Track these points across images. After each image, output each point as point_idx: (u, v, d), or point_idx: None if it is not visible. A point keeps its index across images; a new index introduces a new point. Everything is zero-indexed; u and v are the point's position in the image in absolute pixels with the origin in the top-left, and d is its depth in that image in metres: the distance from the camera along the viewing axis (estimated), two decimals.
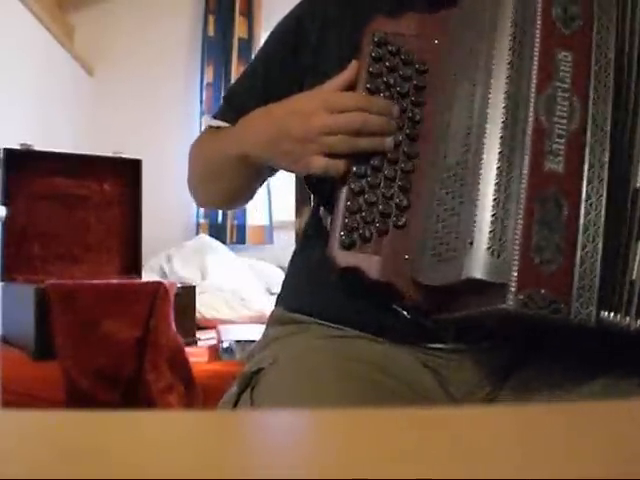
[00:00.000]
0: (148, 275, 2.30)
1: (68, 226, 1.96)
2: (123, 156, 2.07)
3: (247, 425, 0.30)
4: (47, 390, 1.55)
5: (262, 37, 3.21)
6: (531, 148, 0.52)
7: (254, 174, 0.82)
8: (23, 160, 1.89)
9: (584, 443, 0.26)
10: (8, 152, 1.84)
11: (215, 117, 0.88)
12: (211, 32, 3.19)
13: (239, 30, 3.17)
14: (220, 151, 0.81)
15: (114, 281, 1.78)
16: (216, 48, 3.18)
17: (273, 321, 0.81)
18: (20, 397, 1.49)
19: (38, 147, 1.93)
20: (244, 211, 3.07)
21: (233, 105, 0.85)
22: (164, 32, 3.18)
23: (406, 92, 0.63)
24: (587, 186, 0.52)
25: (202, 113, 3.16)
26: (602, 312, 0.52)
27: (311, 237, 0.80)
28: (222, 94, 3.14)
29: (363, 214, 0.62)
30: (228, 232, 3.09)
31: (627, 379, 0.62)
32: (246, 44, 3.17)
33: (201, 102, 3.17)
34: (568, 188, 0.52)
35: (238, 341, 1.73)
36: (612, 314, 0.53)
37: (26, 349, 1.64)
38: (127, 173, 2.05)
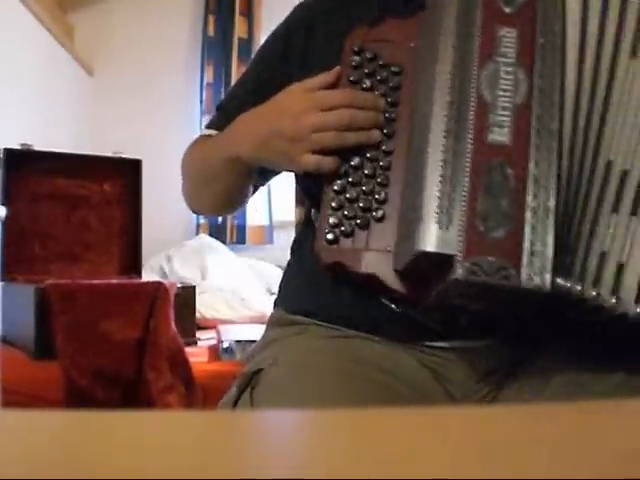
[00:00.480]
0: (148, 275, 2.30)
1: (68, 226, 1.96)
2: (123, 156, 2.07)
3: (247, 425, 0.30)
4: (47, 390, 1.55)
5: (262, 37, 3.21)
6: (474, 122, 0.54)
7: (246, 176, 0.82)
8: (23, 160, 1.89)
9: (589, 442, 0.26)
10: (8, 152, 1.84)
11: (209, 127, 0.89)
12: (211, 32, 3.19)
13: (239, 30, 3.17)
14: (212, 155, 0.83)
15: (114, 281, 1.78)
16: (216, 48, 3.18)
17: (272, 323, 0.82)
18: (20, 397, 1.49)
19: (38, 147, 1.93)
20: (244, 211, 3.07)
21: (225, 114, 0.87)
22: (164, 32, 3.18)
23: (382, 93, 0.66)
24: (535, 154, 0.53)
25: (202, 113, 3.16)
26: (558, 279, 0.53)
27: (305, 239, 0.81)
28: (222, 94, 3.14)
29: (345, 211, 0.63)
30: (228, 232, 3.09)
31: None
32: (246, 44, 3.17)
33: (201, 102, 3.17)
34: (514, 157, 0.53)
35: (238, 341, 1.73)
36: (567, 281, 0.53)
37: (26, 349, 1.64)
38: (127, 173, 2.05)
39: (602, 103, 0.57)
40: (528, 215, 0.52)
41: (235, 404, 0.71)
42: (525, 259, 0.51)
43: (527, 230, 0.51)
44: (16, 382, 1.50)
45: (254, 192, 0.93)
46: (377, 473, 0.21)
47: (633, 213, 0.55)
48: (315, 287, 0.77)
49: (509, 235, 0.51)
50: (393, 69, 0.67)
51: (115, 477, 0.21)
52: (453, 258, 0.52)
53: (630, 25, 0.57)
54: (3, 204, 1.66)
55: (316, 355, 0.70)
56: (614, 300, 0.54)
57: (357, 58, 0.68)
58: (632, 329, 0.62)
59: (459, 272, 0.51)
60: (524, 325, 0.68)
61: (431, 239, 0.53)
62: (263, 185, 0.94)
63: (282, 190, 2.72)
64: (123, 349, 1.63)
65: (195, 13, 3.26)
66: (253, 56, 0.94)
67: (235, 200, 0.91)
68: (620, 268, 0.54)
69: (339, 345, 0.72)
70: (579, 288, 0.54)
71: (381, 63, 0.67)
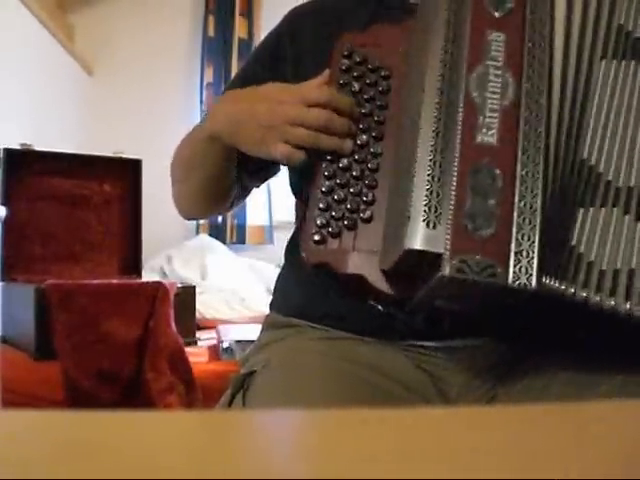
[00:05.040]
0: (148, 275, 2.30)
1: (68, 226, 1.96)
2: (123, 156, 2.07)
3: (247, 425, 0.30)
4: (47, 390, 1.55)
5: (262, 37, 3.20)
6: (462, 123, 0.55)
7: (226, 159, 0.80)
8: (23, 160, 1.89)
9: (585, 443, 0.26)
10: (8, 152, 1.84)
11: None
12: (211, 32, 3.19)
13: (239, 30, 3.17)
14: (193, 139, 0.82)
15: (114, 281, 1.78)
16: (216, 48, 3.18)
17: (267, 325, 0.82)
18: (20, 397, 1.49)
19: (38, 147, 1.93)
20: (244, 211, 3.07)
21: None
22: (164, 32, 3.18)
23: (371, 97, 0.67)
24: (522, 155, 0.54)
25: (202, 113, 3.16)
26: (544, 278, 0.53)
27: (298, 241, 0.81)
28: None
29: (333, 212, 0.64)
30: (228, 232, 3.09)
31: None
32: (246, 44, 3.17)
33: (201, 102, 3.17)
34: (501, 158, 0.54)
35: (238, 341, 1.73)
36: (554, 280, 0.54)
37: (26, 349, 1.64)
38: (127, 173, 2.05)
39: (580, 105, 0.58)
40: (515, 215, 0.52)
41: (229, 406, 0.72)
42: (512, 258, 0.51)
43: (514, 230, 0.52)
44: (16, 382, 1.50)
45: (246, 194, 0.92)
46: (368, 472, 0.21)
47: (602, 205, 0.56)
48: (307, 288, 0.77)
49: (496, 234, 0.52)
50: (382, 73, 0.68)
51: (115, 477, 0.21)
52: (440, 256, 0.52)
53: (603, 23, 0.59)
54: (3, 204, 1.66)
55: (307, 356, 0.71)
56: (598, 298, 0.55)
57: (346, 61, 0.68)
58: (629, 330, 0.62)
59: (446, 269, 0.51)
60: (510, 328, 0.68)
61: (419, 237, 0.53)
62: (257, 187, 0.93)
63: (282, 190, 2.72)
64: (123, 349, 1.63)
65: (195, 13, 3.26)
66: (242, 65, 0.94)
67: (219, 192, 0.88)
68: (591, 265, 0.55)
69: (331, 346, 0.72)
70: (563, 287, 0.54)
71: (370, 67, 0.68)
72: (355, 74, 0.68)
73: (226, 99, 0.78)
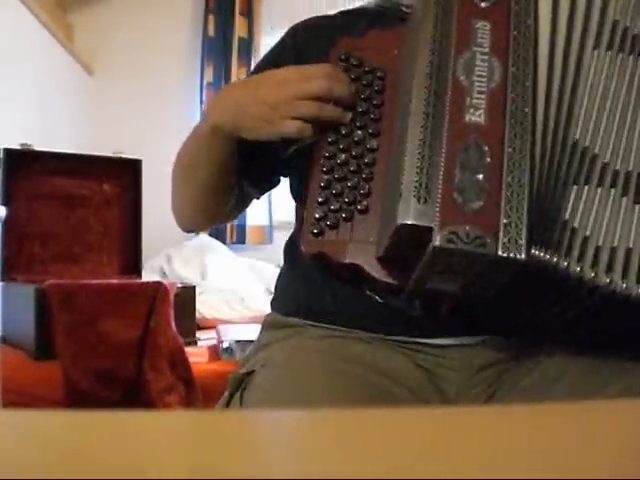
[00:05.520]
0: (148, 275, 2.30)
1: (68, 226, 1.96)
2: (123, 156, 2.07)
3: (247, 425, 0.30)
4: (47, 390, 1.55)
5: (262, 37, 3.21)
6: (450, 104, 0.57)
7: (226, 158, 0.79)
8: (23, 160, 1.89)
9: (587, 443, 0.26)
10: (8, 152, 1.84)
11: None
12: (211, 32, 3.19)
13: (239, 30, 3.17)
14: (194, 138, 0.82)
15: (114, 281, 1.78)
16: (216, 48, 3.18)
17: (267, 325, 0.82)
18: (20, 397, 1.49)
19: (38, 147, 1.93)
20: (244, 211, 3.07)
21: None
22: (164, 32, 3.18)
23: (367, 96, 0.70)
24: (509, 133, 0.56)
25: (202, 113, 3.16)
26: (534, 250, 0.55)
27: (296, 240, 0.81)
28: None
29: (330, 205, 0.66)
30: (228, 232, 3.09)
31: None
32: (246, 44, 3.17)
33: (201, 102, 3.17)
34: (489, 136, 0.56)
35: (238, 341, 1.73)
36: (545, 252, 0.56)
37: (26, 349, 1.64)
38: (127, 173, 2.05)
39: (570, 89, 0.61)
40: (503, 188, 0.54)
41: (227, 406, 0.72)
42: (501, 229, 0.53)
43: (502, 202, 0.54)
44: (16, 382, 1.50)
45: (246, 204, 0.92)
46: (366, 472, 0.21)
47: (599, 185, 0.58)
48: (306, 285, 0.77)
49: (485, 207, 0.53)
50: (377, 73, 0.71)
51: (115, 477, 0.21)
52: (432, 231, 0.53)
53: (595, 18, 0.62)
54: (3, 204, 1.66)
55: (305, 355, 0.71)
56: (593, 274, 0.56)
57: (343, 64, 0.71)
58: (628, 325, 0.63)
59: (437, 240, 0.53)
60: (508, 325, 0.69)
61: (410, 212, 0.55)
62: (257, 198, 0.92)
63: (282, 190, 2.71)
64: (123, 349, 1.63)
65: (195, 13, 3.26)
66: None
67: (219, 195, 0.86)
68: (586, 240, 0.57)
69: (329, 345, 0.72)
70: (555, 259, 0.56)
71: (366, 69, 0.71)
72: (352, 76, 0.71)
73: (223, 93, 0.79)
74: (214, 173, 0.82)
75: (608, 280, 0.56)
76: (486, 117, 0.56)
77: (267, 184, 0.90)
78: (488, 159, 0.55)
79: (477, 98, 0.57)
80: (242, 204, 0.92)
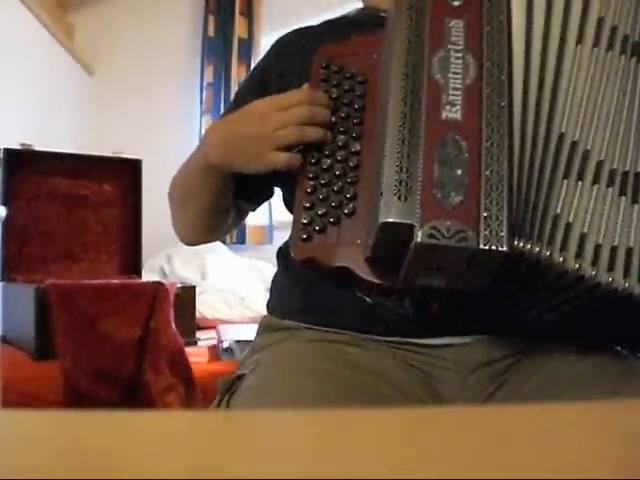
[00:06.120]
0: (148, 275, 2.30)
1: (68, 226, 1.96)
2: (123, 156, 2.07)
3: (246, 425, 0.30)
4: (47, 390, 1.55)
5: (262, 37, 3.21)
6: (427, 101, 0.58)
7: (223, 185, 0.83)
8: (23, 160, 1.89)
9: (585, 442, 0.26)
10: (8, 152, 1.84)
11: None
12: (211, 32, 3.19)
13: (239, 30, 3.17)
14: (188, 169, 0.86)
15: (114, 281, 1.78)
16: (216, 48, 3.18)
17: (262, 329, 0.82)
18: (20, 397, 1.49)
19: (38, 147, 1.93)
20: None
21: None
22: (164, 32, 3.18)
23: (349, 101, 0.71)
24: (486, 128, 0.57)
25: (202, 113, 3.16)
26: (519, 241, 0.56)
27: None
28: (222, 94, 3.14)
29: (317, 210, 0.66)
30: None
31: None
32: (246, 44, 3.17)
33: (201, 102, 3.17)
34: (466, 131, 0.57)
35: (238, 341, 1.73)
36: (530, 244, 0.56)
37: (26, 349, 1.64)
38: (127, 173, 2.05)
39: (552, 82, 0.61)
40: (482, 182, 0.55)
41: (218, 408, 0.72)
42: (482, 222, 0.54)
43: (482, 196, 0.54)
44: (16, 382, 1.50)
45: (243, 217, 0.97)
46: (364, 472, 0.21)
47: (594, 182, 0.59)
48: (298, 288, 0.78)
49: (465, 201, 0.54)
50: (358, 78, 0.72)
51: (114, 477, 0.21)
52: (413, 226, 0.54)
53: (576, 14, 0.62)
54: (3, 204, 1.66)
55: (295, 358, 0.71)
56: (577, 265, 0.57)
57: (324, 72, 0.73)
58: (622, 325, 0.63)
59: (418, 237, 0.53)
60: (501, 324, 0.69)
61: (392, 210, 0.55)
62: (253, 210, 0.96)
63: None
64: (123, 349, 1.63)
65: (195, 13, 3.26)
66: (233, 95, 0.98)
67: (217, 219, 0.91)
68: (584, 236, 0.57)
69: (321, 347, 0.72)
70: (537, 250, 0.56)
71: (347, 75, 0.72)
72: (333, 82, 0.72)
73: (216, 126, 0.82)
74: (212, 200, 0.86)
75: (610, 279, 0.56)
76: (463, 113, 0.57)
77: (262, 197, 0.94)
78: (466, 154, 0.56)
79: (453, 95, 0.58)
80: (239, 219, 0.97)
